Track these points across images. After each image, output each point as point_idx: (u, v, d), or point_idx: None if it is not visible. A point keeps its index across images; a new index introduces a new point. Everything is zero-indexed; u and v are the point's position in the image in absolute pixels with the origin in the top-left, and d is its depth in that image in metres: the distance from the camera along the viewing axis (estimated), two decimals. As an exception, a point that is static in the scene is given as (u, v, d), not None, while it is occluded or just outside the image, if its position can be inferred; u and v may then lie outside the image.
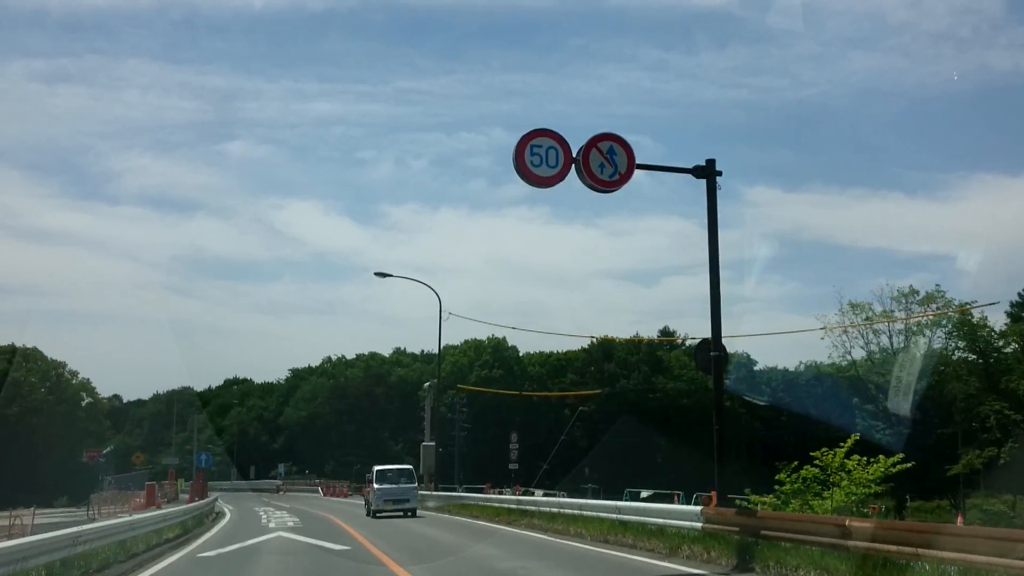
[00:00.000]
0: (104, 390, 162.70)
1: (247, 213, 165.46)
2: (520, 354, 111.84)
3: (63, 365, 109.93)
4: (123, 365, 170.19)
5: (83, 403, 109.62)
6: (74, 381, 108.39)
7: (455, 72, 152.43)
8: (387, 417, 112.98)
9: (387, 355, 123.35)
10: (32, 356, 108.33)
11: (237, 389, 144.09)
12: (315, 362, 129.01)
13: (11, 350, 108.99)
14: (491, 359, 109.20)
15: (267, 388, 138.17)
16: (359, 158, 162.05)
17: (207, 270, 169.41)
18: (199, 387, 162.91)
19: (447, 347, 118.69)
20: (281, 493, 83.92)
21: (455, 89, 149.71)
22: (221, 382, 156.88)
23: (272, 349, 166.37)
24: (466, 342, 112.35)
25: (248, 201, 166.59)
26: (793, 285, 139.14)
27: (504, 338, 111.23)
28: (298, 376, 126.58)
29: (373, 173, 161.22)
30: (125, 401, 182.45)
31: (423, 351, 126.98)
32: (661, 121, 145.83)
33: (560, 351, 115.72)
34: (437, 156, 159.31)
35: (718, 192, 17.34)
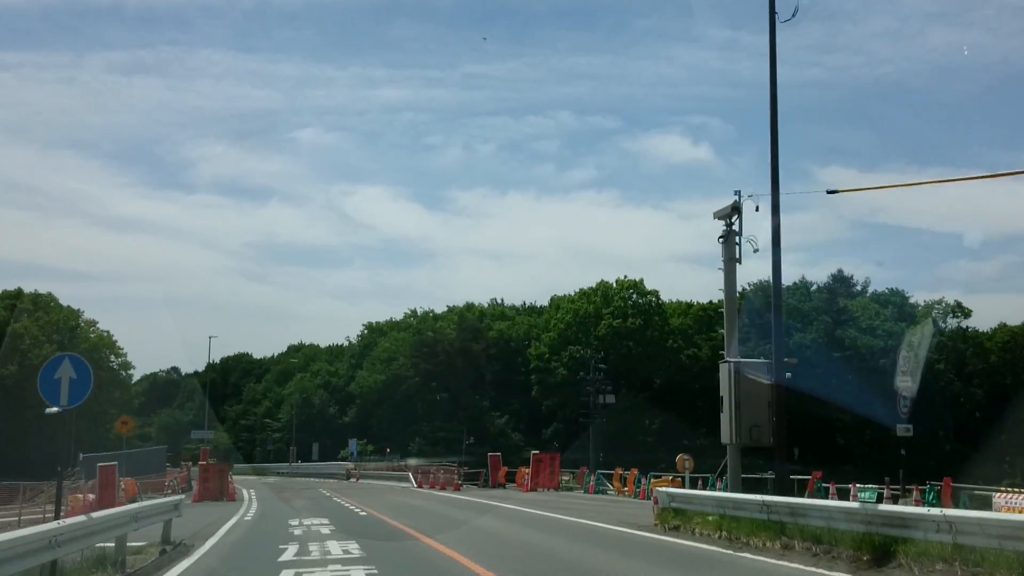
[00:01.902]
0: (163, 365, 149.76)
1: (318, 200, 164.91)
2: (660, 301, 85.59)
3: (79, 314, 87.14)
4: (191, 348, 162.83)
5: (109, 364, 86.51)
6: (91, 334, 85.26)
7: (522, 56, 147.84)
8: (484, 383, 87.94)
9: (484, 306, 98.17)
10: (42, 303, 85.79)
11: (301, 354, 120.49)
12: (397, 315, 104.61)
13: (15, 295, 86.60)
14: (625, 306, 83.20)
15: (336, 351, 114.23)
16: (427, 143, 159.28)
17: (280, 256, 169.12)
18: (258, 355, 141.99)
19: (560, 297, 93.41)
20: (354, 481, 59.26)
21: (522, 73, 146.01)
22: (284, 349, 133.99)
23: (343, 334, 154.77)
24: (582, 291, 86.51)
25: (319, 188, 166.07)
26: (869, 268, 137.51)
27: (641, 280, 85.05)
28: (375, 332, 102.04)
29: (441, 158, 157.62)
30: (184, 374, 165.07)
31: (525, 303, 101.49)
32: (731, 102, 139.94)
33: (704, 301, 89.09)
34: (505, 140, 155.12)
35: None
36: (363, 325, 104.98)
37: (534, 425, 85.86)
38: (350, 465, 65.67)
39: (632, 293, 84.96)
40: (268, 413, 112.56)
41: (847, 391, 76.56)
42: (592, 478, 34.65)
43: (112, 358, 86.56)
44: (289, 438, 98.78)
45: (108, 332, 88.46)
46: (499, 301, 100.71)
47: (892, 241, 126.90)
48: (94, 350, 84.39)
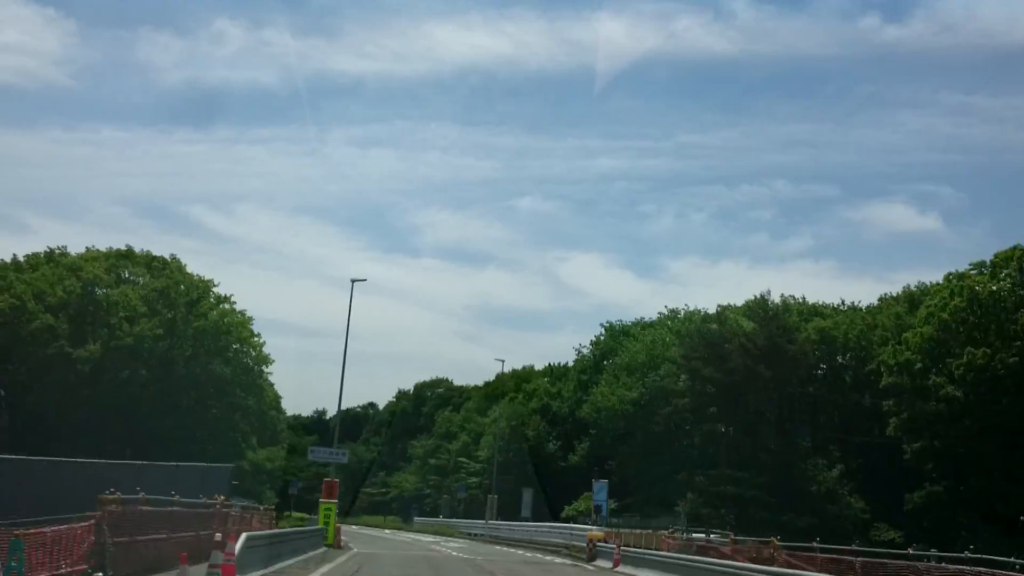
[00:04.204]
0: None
1: (533, 265, 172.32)
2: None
3: (209, 285, 61.47)
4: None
5: (236, 354, 60.08)
6: (213, 311, 59.02)
7: (737, 125, 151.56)
8: (798, 410, 54.75)
9: (787, 300, 64.77)
10: (157, 268, 60.68)
11: (513, 375, 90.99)
12: (647, 314, 72.96)
13: (124, 255, 61.96)
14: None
15: (559, 372, 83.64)
16: (640, 212, 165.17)
17: (495, 319, 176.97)
18: (459, 382, 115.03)
19: (910, 292, 59.14)
20: (610, 568, 27.59)
21: (737, 142, 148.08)
22: (492, 377, 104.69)
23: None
24: (975, 263, 51.73)
25: (534, 254, 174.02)
26: None
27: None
28: (618, 334, 70.72)
29: (653, 226, 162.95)
30: (380, 408, 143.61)
31: (844, 301, 67.21)
32: (963, 168, 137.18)
33: None
34: (718, 209, 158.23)
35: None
36: (601, 325, 73.69)
37: (886, 484, 51.46)
38: (596, 532, 33.60)
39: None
40: (464, 450, 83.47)
41: None
42: None
43: (238, 347, 59.87)
44: (488, 485, 69.04)
45: (244, 312, 62.12)
46: (800, 298, 67.04)
47: None
48: (211, 334, 57.99)
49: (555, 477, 66.29)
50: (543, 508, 57.54)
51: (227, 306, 61.70)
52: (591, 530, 33.94)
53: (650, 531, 34.03)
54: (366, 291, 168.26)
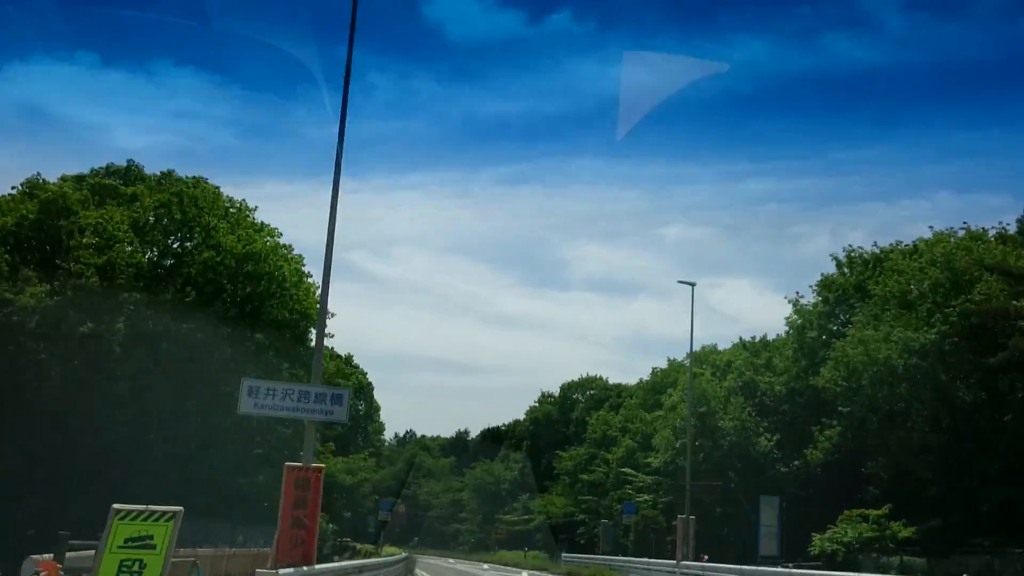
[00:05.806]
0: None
1: (683, 294, 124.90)
2: None
3: (244, 208, 41.75)
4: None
5: (293, 315, 39.71)
6: (242, 235, 38.89)
7: (893, 138, 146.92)
8: None
9: None
10: (175, 186, 41.08)
11: (693, 356, 67.53)
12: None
13: (118, 171, 42.80)
14: None
15: (754, 348, 59.65)
16: (792, 233, 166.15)
17: (646, 349, 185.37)
18: (615, 378, 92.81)
19: None
20: None
21: (892, 155, 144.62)
22: (663, 363, 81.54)
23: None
24: None
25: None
26: None
27: None
28: (864, 264, 46.47)
29: (807, 248, 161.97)
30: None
31: None
32: None
33: None
34: (875, 226, 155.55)
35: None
36: (831, 257, 49.13)
37: None
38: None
39: None
40: (629, 459, 60.68)
41: None
42: None
43: (276, 291, 39.40)
44: (669, 503, 46.14)
45: (290, 247, 41.85)
46: None
47: None
48: (228, 273, 37.65)
49: (772, 488, 42.74)
50: (796, 536, 34.21)
51: (270, 240, 41.63)
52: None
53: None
54: (517, 326, 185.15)
